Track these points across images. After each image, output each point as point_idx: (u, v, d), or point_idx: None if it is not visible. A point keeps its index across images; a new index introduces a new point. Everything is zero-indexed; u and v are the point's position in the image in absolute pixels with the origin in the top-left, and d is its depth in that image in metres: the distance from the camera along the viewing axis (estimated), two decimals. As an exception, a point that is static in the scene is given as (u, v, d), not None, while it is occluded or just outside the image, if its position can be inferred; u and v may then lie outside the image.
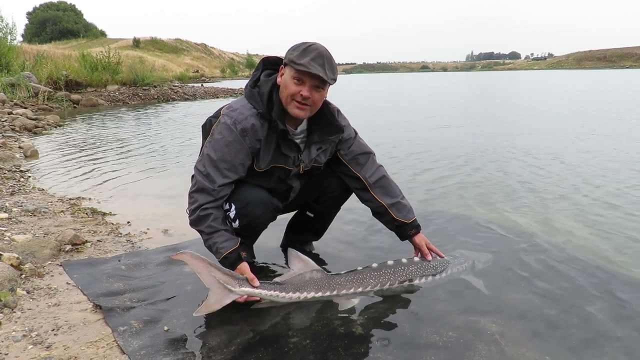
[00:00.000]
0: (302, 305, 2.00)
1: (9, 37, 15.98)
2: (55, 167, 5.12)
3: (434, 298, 2.11)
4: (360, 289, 2.04)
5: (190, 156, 5.86)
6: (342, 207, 2.50)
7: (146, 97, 17.42)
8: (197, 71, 53.31)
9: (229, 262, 1.93)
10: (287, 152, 2.05)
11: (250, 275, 1.90)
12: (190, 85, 26.73)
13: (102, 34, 77.92)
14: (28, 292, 2.07)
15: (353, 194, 2.38)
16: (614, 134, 7.45)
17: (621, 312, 2.01)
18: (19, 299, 1.99)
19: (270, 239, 2.66)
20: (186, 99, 18.56)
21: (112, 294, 2.11)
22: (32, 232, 2.84)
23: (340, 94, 21.12)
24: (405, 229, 2.26)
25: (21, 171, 4.73)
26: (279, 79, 1.99)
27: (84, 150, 6.39)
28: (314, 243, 2.69)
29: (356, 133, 2.30)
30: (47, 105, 12.21)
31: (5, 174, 4.45)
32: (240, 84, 29.34)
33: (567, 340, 1.79)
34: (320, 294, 1.98)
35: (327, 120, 2.10)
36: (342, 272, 2.09)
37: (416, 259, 2.23)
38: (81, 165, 5.28)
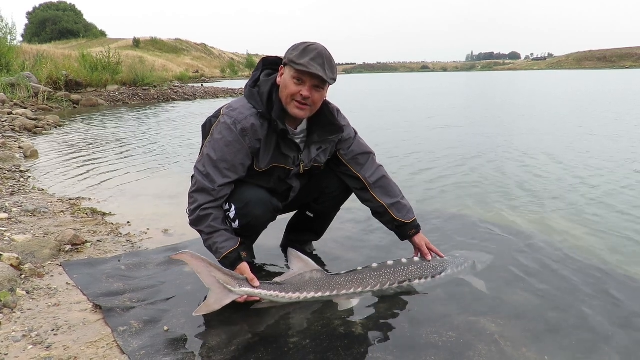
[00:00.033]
0: (302, 305, 2.00)
1: (9, 37, 15.99)
2: (55, 167, 5.12)
3: (434, 298, 2.11)
4: (360, 289, 2.04)
5: (190, 156, 5.86)
6: (341, 207, 2.50)
7: (146, 97, 17.42)
8: (197, 71, 53.31)
9: (229, 262, 1.93)
10: (287, 152, 2.05)
11: (250, 275, 1.89)
12: (190, 85, 26.73)
13: (102, 34, 77.94)
14: (28, 292, 2.07)
15: (353, 194, 2.38)
16: (613, 134, 7.45)
17: (620, 312, 2.01)
18: (18, 299, 2.00)
19: (270, 239, 2.66)
20: (186, 99, 18.56)
21: (112, 294, 2.11)
22: (32, 232, 2.84)
23: (340, 94, 21.12)
24: (405, 229, 2.26)
25: (21, 171, 4.73)
26: (278, 79, 1.99)
27: (83, 150, 6.39)
28: (314, 243, 2.69)
29: (356, 133, 2.30)
30: (47, 105, 12.21)
31: (5, 174, 4.45)
32: (240, 84, 29.34)
33: (567, 340, 1.80)
34: (320, 294, 1.98)
35: (327, 120, 2.10)
36: (342, 272, 2.09)
37: (416, 259, 2.23)
38: (81, 166, 5.28)
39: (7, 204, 3.38)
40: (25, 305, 1.97)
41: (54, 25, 71.56)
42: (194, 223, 1.99)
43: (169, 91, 19.43)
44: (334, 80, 1.92)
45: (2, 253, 2.31)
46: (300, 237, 2.59)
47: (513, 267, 2.45)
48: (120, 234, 2.96)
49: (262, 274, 2.37)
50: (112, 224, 3.15)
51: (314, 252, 2.66)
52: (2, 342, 1.69)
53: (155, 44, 75.18)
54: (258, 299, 1.92)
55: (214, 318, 1.90)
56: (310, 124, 2.11)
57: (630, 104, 13.33)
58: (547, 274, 2.38)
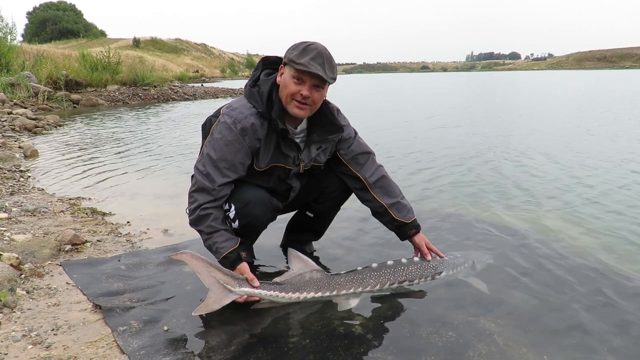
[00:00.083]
0: (302, 305, 2.00)
1: (9, 37, 16.00)
2: (55, 167, 5.12)
3: (434, 298, 2.11)
4: (360, 289, 2.04)
5: (190, 155, 5.86)
6: (341, 207, 2.50)
7: (146, 97, 17.42)
8: (197, 71, 53.31)
9: (229, 262, 1.93)
10: (287, 152, 2.05)
11: (250, 275, 1.89)
12: (190, 85, 26.73)
13: (102, 33, 77.94)
14: (28, 292, 2.07)
15: (352, 194, 2.38)
16: (611, 134, 7.45)
17: (619, 312, 2.01)
18: (18, 299, 1.99)
19: (270, 239, 2.66)
20: (186, 99, 18.56)
21: (111, 294, 2.11)
22: (31, 232, 2.84)
23: (340, 94, 21.12)
24: (405, 229, 2.26)
25: (21, 171, 4.73)
26: (278, 79, 1.99)
27: (83, 150, 6.39)
28: (314, 243, 2.69)
29: (356, 133, 2.30)
30: (47, 105, 12.21)
31: (5, 173, 4.45)
32: (240, 84, 29.35)
33: (566, 340, 1.80)
34: (320, 294, 1.98)
35: (326, 120, 2.10)
36: (342, 272, 2.09)
37: (416, 259, 2.22)
38: (81, 165, 5.28)
39: (7, 204, 3.38)
40: (25, 305, 1.97)
41: (54, 25, 71.57)
42: (194, 223, 1.99)
43: (169, 91, 19.43)
44: (334, 79, 1.92)
45: (2, 253, 2.31)
46: (300, 237, 2.59)
47: (512, 268, 2.45)
48: (120, 233, 2.96)
49: (262, 273, 2.37)
50: (112, 223, 3.15)
51: (314, 252, 2.66)
52: (2, 341, 1.69)
53: (155, 44, 75.20)
54: (258, 299, 1.92)
55: (213, 318, 1.90)
56: (310, 124, 2.11)
57: (630, 104, 13.33)
58: (547, 274, 2.38)
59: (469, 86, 31.43)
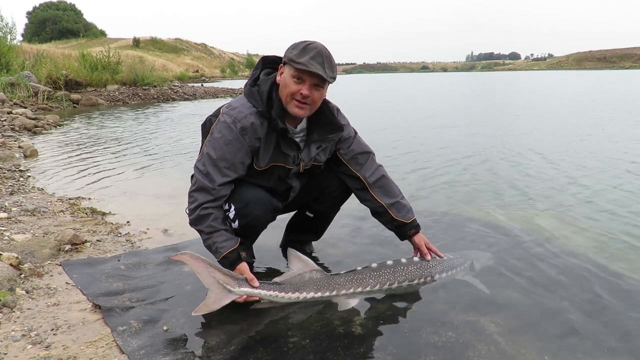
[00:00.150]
0: (302, 305, 2.00)
1: (8, 37, 15.99)
2: (55, 167, 5.12)
3: (433, 298, 2.11)
4: (359, 289, 2.03)
5: (189, 155, 5.86)
6: (341, 207, 2.50)
7: (146, 97, 17.41)
8: (197, 71, 53.31)
9: (229, 262, 1.92)
10: (287, 151, 2.05)
11: (249, 275, 1.89)
12: (190, 85, 26.73)
13: (102, 33, 77.96)
14: (27, 292, 2.07)
15: (352, 194, 2.38)
16: (610, 134, 7.46)
17: (621, 312, 2.01)
18: (18, 299, 1.99)
19: (270, 239, 2.65)
20: (186, 99, 18.55)
21: (111, 293, 2.11)
22: (31, 231, 2.84)
23: (340, 94, 21.12)
24: (405, 229, 2.26)
25: (21, 171, 4.72)
26: (278, 78, 1.99)
27: (83, 149, 6.39)
28: (314, 243, 2.68)
29: (356, 132, 2.30)
30: (46, 104, 12.21)
31: (4, 173, 4.45)
32: (240, 84, 29.34)
33: (567, 340, 1.80)
34: (319, 294, 1.98)
35: (326, 119, 2.10)
36: (342, 272, 2.09)
37: (415, 259, 2.22)
38: (81, 165, 5.27)
39: (6, 204, 3.38)
40: (25, 304, 1.97)
41: (54, 24, 71.57)
42: (193, 222, 1.99)
43: (169, 91, 19.43)
44: (334, 79, 1.92)
45: (1, 252, 2.30)
46: (300, 237, 2.59)
47: (512, 268, 2.45)
48: (120, 233, 2.96)
49: (262, 274, 2.37)
50: (112, 223, 3.15)
51: (314, 252, 2.65)
52: (2, 341, 1.69)
53: (155, 44, 75.19)
54: (257, 299, 1.92)
55: (213, 318, 1.89)
56: (310, 123, 2.11)
57: (630, 105, 13.33)
58: (546, 274, 2.38)
59: (469, 86, 31.43)
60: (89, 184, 4.37)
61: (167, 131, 8.49)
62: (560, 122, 9.50)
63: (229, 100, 2.80)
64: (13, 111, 9.29)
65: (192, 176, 2.02)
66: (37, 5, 77.20)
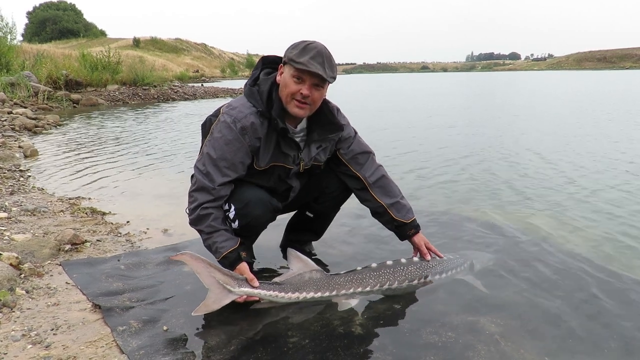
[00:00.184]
0: (302, 305, 2.00)
1: (9, 37, 16.00)
2: (55, 167, 5.12)
3: (433, 298, 2.11)
4: (359, 289, 2.03)
5: (189, 155, 5.86)
6: (341, 207, 2.50)
7: (146, 97, 17.42)
8: (197, 71, 53.31)
9: (229, 262, 1.92)
10: (287, 151, 2.05)
11: (249, 275, 1.89)
12: (190, 85, 26.73)
13: (102, 33, 77.96)
14: (27, 292, 2.07)
15: (352, 194, 2.38)
16: (609, 134, 7.46)
17: (621, 312, 2.01)
18: (18, 299, 1.99)
19: (270, 239, 2.65)
20: (186, 99, 18.56)
21: (111, 293, 2.11)
22: (31, 231, 2.84)
23: (340, 94, 21.12)
24: (405, 229, 2.26)
25: (21, 170, 4.72)
26: (278, 78, 1.99)
27: (83, 149, 6.39)
28: (314, 243, 2.68)
29: (356, 132, 2.30)
30: (47, 104, 12.21)
31: (4, 173, 4.45)
32: (240, 84, 29.33)
33: (566, 341, 1.80)
34: (319, 294, 1.98)
35: (326, 119, 2.10)
36: (342, 272, 2.09)
37: (415, 259, 2.22)
38: (81, 165, 5.27)
39: (6, 203, 3.38)
40: (25, 304, 1.97)
41: (54, 24, 71.57)
42: (193, 222, 1.98)
43: (169, 91, 19.43)
44: (334, 78, 1.92)
45: (1, 252, 2.30)
46: (300, 237, 2.59)
47: (513, 267, 2.45)
48: (120, 233, 2.96)
49: (262, 274, 2.37)
50: (112, 223, 3.15)
51: (314, 252, 2.65)
52: (2, 341, 1.69)
53: (155, 44, 75.19)
54: (257, 299, 1.92)
55: (213, 318, 1.89)
56: (310, 123, 2.11)
57: (630, 105, 13.33)
58: (548, 274, 2.38)
59: (469, 86, 31.43)
60: (89, 184, 4.37)
61: (167, 131, 8.49)
62: (560, 122, 9.50)
63: (229, 100, 2.79)
64: (13, 111, 9.30)
65: (192, 176, 2.02)
66: (37, 5, 77.29)
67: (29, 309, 1.94)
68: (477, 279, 2.25)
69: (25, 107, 10.45)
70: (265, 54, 2.15)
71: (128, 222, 3.19)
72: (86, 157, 5.77)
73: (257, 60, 2.17)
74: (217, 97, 20.18)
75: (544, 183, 4.37)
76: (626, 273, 2.42)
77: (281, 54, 2.00)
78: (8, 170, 4.59)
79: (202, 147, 2.04)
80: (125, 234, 2.94)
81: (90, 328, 1.82)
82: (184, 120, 10.59)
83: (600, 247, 2.81)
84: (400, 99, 18.70)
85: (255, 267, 2.41)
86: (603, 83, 31.33)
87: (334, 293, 2.00)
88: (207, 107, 14.27)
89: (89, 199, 3.83)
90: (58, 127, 8.82)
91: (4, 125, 7.64)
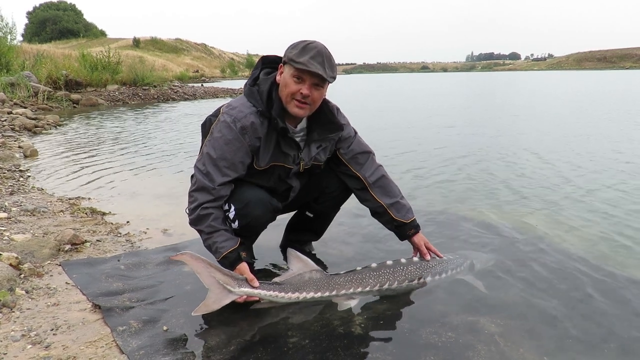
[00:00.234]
0: (302, 305, 2.00)
1: (8, 37, 16.00)
2: (55, 167, 5.12)
3: (433, 298, 2.11)
4: (359, 289, 2.03)
5: (189, 155, 5.86)
6: (341, 207, 2.50)
7: (146, 97, 17.41)
8: (197, 71, 53.31)
9: (229, 262, 1.92)
10: (287, 150, 2.05)
11: (249, 275, 1.89)
12: (190, 85, 26.72)
13: (102, 33, 77.95)
14: (27, 292, 2.07)
15: (352, 194, 2.38)
16: (608, 135, 7.46)
17: (619, 312, 2.01)
18: (18, 299, 1.99)
19: (270, 239, 2.65)
20: (186, 99, 18.56)
21: (111, 293, 2.11)
22: (31, 231, 2.84)
23: (340, 94, 21.12)
24: (405, 229, 2.26)
25: (20, 171, 4.72)
26: (278, 77, 1.99)
27: (83, 149, 6.39)
28: (314, 243, 2.68)
29: (356, 132, 2.30)
30: (46, 104, 12.21)
31: (4, 173, 4.45)
32: (240, 84, 29.36)
33: (566, 341, 1.80)
34: (319, 294, 1.98)
35: (326, 119, 2.10)
36: (342, 272, 2.09)
37: (415, 259, 2.22)
38: (80, 165, 5.27)
39: (6, 204, 3.38)
40: (25, 304, 1.97)
41: (54, 24, 71.57)
42: (194, 222, 1.98)
43: (169, 91, 19.43)
44: (334, 78, 1.92)
45: (1, 252, 2.30)
46: (300, 237, 2.59)
47: (513, 267, 2.45)
48: (120, 233, 2.96)
49: (262, 274, 2.37)
50: (112, 223, 3.15)
51: (314, 252, 2.65)
52: (1, 341, 1.69)
53: (155, 44, 75.20)
54: (257, 299, 1.92)
55: (213, 318, 1.89)
56: (310, 122, 2.11)
57: (630, 105, 13.33)
58: (547, 274, 2.38)
59: (469, 87, 31.44)
60: (88, 184, 4.37)
61: (167, 131, 8.49)
62: (560, 122, 9.51)
63: (228, 100, 2.79)
64: (13, 111, 9.30)
65: (192, 176, 2.02)
66: (37, 5, 77.29)
67: (28, 309, 1.93)
68: (478, 279, 2.25)
69: (25, 107, 10.45)
70: (265, 54, 2.15)
71: (128, 222, 3.19)
72: (86, 157, 5.77)
73: (257, 60, 2.17)
74: (217, 97, 20.18)
75: (541, 183, 4.37)
76: (622, 272, 2.42)
77: (281, 54, 2.00)
78: (8, 171, 4.59)
79: (202, 147, 2.04)
80: (125, 234, 2.94)
81: (90, 328, 1.81)
82: (183, 120, 10.59)
83: (596, 246, 2.82)
84: (400, 99, 18.70)
85: (255, 267, 2.41)
86: (603, 83, 31.33)
87: (333, 293, 2.00)
88: (207, 107, 14.27)
89: (89, 199, 3.83)
90: (58, 127, 8.82)
91: (3, 126, 7.64)
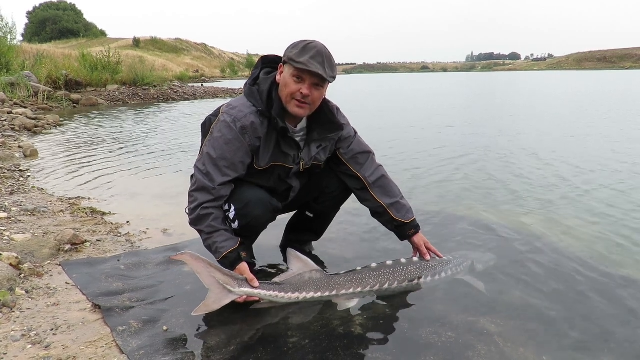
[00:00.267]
0: (302, 305, 2.00)
1: (9, 37, 15.99)
2: (55, 167, 5.12)
3: (433, 298, 2.11)
4: (359, 289, 2.03)
5: (189, 155, 5.86)
6: (341, 207, 2.50)
7: (146, 97, 17.41)
8: (197, 71, 53.31)
9: (229, 262, 1.92)
10: (287, 150, 2.05)
11: (249, 275, 1.89)
12: (190, 85, 26.72)
13: (102, 33, 77.94)
14: (27, 292, 2.07)
15: (352, 194, 2.38)
16: (611, 135, 7.46)
17: (619, 312, 2.01)
18: (18, 299, 1.99)
19: (270, 239, 2.65)
20: (186, 99, 18.55)
21: (111, 293, 2.11)
22: (31, 231, 2.84)
23: (340, 94, 21.12)
24: (404, 229, 2.26)
25: (20, 170, 4.72)
26: (278, 77, 1.99)
27: (83, 149, 6.39)
28: (314, 243, 2.68)
29: (355, 132, 2.30)
30: (46, 104, 12.21)
31: (4, 173, 4.45)
32: (240, 84, 29.30)
33: (566, 341, 1.79)
34: (319, 294, 1.98)
35: (326, 118, 2.10)
36: (341, 272, 2.09)
37: (415, 259, 2.22)
38: (81, 165, 5.27)
39: (6, 203, 3.38)
40: (25, 304, 1.97)
41: (54, 24, 71.56)
42: (194, 222, 1.98)
43: (169, 91, 19.42)
44: (334, 78, 1.92)
45: (1, 252, 2.30)
46: (300, 237, 2.59)
47: (513, 268, 2.45)
48: (120, 233, 2.96)
49: (262, 274, 2.37)
50: (112, 223, 3.15)
51: (314, 252, 2.65)
52: (1, 341, 1.69)
53: (155, 44, 75.17)
54: (257, 299, 1.92)
55: (213, 318, 1.89)
56: (310, 122, 2.11)
57: (630, 105, 13.33)
58: (547, 275, 2.38)
59: (469, 87, 31.44)
60: (88, 184, 4.37)
61: (167, 131, 8.49)
62: (560, 122, 9.50)
63: (228, 100, 2.79)
64: (13, 111, 9.30)
65: (192, 176, 2.02)
66: (37, 5, 77.26)
67: (28, 309, 1.93)
68: (477, 279, 2.25)
69: (25, 107, 10.45)
70: (265, 54, 2.15)
71: (128, 222, 3.19)
72: (86, 157, 5.77)
73: (257, 60, 2.17)
74: (217, 97, 20.18)
75: (539, 182, 4.37)
76: (619, 272, 2.43)
77: (281, 54, 2.00)
78: (8, 170, 4.59)
79: (202, 146, 2.04)
80: (125, 234, 2.94)
81: (90, 328, 1.81)
82: (183, 120, 10.59)
83: (593, 246, 2.82)
84: (400, 99, 18.70)
85: (255, 267, 2.41)
86: (603, 83, 31.33)
87: (333, 293, 2.00)
88: (206, 107, 14.27)
89: (89, 199, 3.83)
90: (58, 127, 8.82)
91: (3, 125, 7.64)
